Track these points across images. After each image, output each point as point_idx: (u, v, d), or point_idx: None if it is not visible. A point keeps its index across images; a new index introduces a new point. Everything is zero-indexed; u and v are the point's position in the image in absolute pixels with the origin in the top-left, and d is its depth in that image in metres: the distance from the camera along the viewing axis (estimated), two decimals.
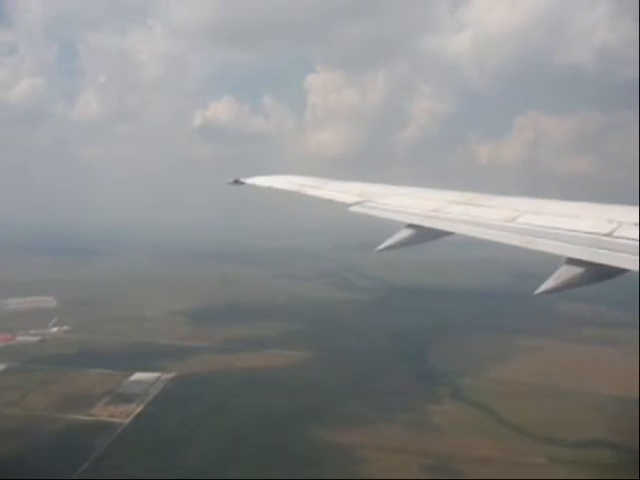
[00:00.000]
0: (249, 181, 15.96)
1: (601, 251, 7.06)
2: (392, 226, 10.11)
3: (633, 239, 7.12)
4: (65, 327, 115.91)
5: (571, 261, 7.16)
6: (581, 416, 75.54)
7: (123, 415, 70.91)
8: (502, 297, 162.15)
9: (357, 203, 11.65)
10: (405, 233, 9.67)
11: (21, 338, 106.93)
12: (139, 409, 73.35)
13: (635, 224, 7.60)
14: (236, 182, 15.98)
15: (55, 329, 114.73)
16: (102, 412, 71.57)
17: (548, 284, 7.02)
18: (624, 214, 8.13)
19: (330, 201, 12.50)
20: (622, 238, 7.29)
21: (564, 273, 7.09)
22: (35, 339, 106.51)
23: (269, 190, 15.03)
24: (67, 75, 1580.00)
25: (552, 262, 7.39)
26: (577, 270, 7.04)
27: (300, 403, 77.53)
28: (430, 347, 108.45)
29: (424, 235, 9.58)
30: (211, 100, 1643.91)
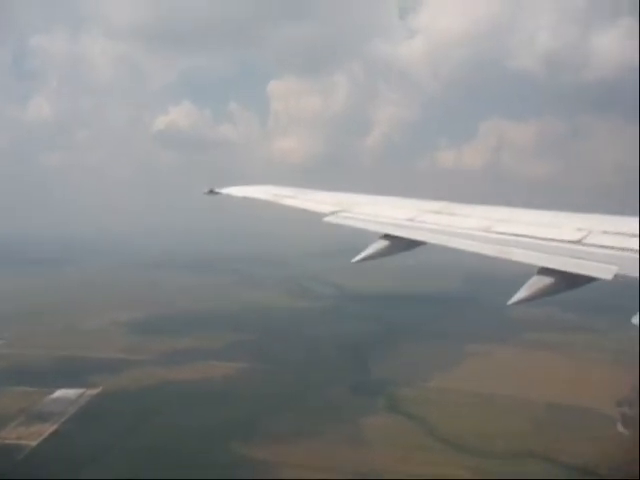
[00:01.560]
0: (224, 191, 15.64)
1: (572, 260, 7.21)
2: (370, 233, 10.11)
3: (602, 246, 7.35)
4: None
5: (543, 270, 7.26)
6: (514, 426, 73.93)
7: (33, 436, 66.84)
8: (462, 302, 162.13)
9: (333, 213, 11.63)
10: (380, 244, 9.64)
11: None
12: (52, 429, 69.35)
13: (604, 232, 7.82)
14: (211, 192, 15.55)
15: None
16: (10, 434, 67.32)
17: (521, 294, 7.06)
18: (594, 222, 8.35)
19: (306, 211, 12.46)
20: (591, 246, 7.49)
21: (536, 282, 7.16)
22: None
23: (245, 199, 15.04)
24: (17, 78, 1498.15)
25: (521, 267, 7.45)
26: (549, 279, 7.14)
27: (229, 418, 74.44)
28: (375, 356, 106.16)
29: (399, 246, 9.59)
30: (169, 105, 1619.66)
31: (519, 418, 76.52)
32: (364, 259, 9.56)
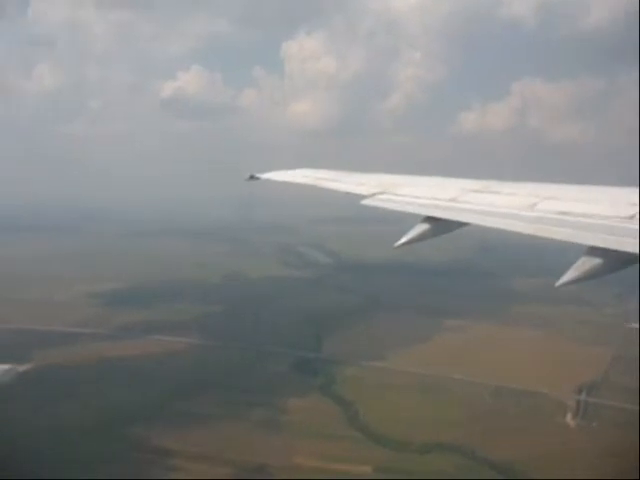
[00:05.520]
0: (265, 176, 15.67)
1: (622, 238, 6.85)
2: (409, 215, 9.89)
3: None
4: None
5: (592, 250, 6.94)
6: (448, 414, 67.48)
7: None
8: (465, 274, 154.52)
9: (373, 195, 11.60)
10: (422, 227, 9.39)
11: None
12: None
13: None
14: (252, 178, 15.58)
15: None
16: None
17: (570, 275, 6.81)
18: None
19: (347, 193, 12.46)
20: None
21: (586, 262, 6.86)
22: None
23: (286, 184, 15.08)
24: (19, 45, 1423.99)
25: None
26: (598, 259, 6.82)
27: (146, 398, 71.17)
28: (337, 331, 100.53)
29: (442, 228, 9.35)
30: (178, 71, 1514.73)
31: (458, 405, 69.88)
32: (406, 243, 9.36)
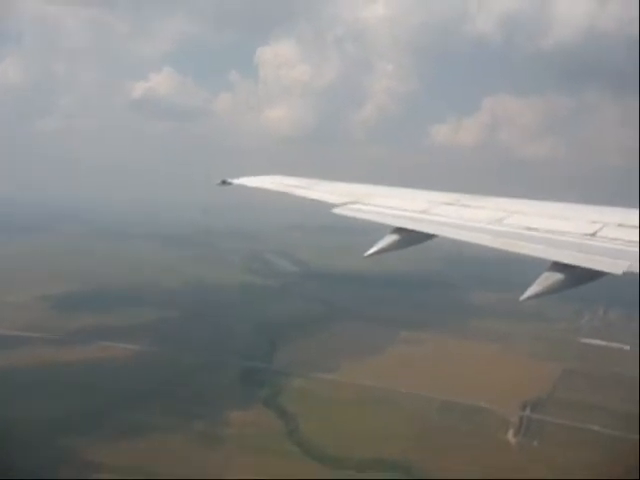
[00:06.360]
0: (237, 182, 15.58)
1: (583, 254, 7.14)
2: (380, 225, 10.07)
3: (615, 240, 7.37)
4: None
5: (555, 265, 7.17)
6: (393, 429, 66.52)
7: None
8: (430, 286, 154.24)
9: (344, 204, 11.65)
10: (392, 237, 9.51)
11: None
12: None
13: (618, 225, 7.93)
14: (224, 183, 15.54)
15: None
16: None
17: (533, 289, 6.97)
18: (608, 215, 8.48)
19: (319, 202, 12.39)
20: (605, 239, 7.53)
21: (548, 277, 7.05)
22: None
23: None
24: None
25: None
26: (561, 274, 7.02)
27: (82, 407, 68.73)
28: (292, 341, 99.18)
29: (411, 239, 9.51)
30: (150, 72, 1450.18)
31: (403, 420, 68.98)
32: (376, 253, 9.42)
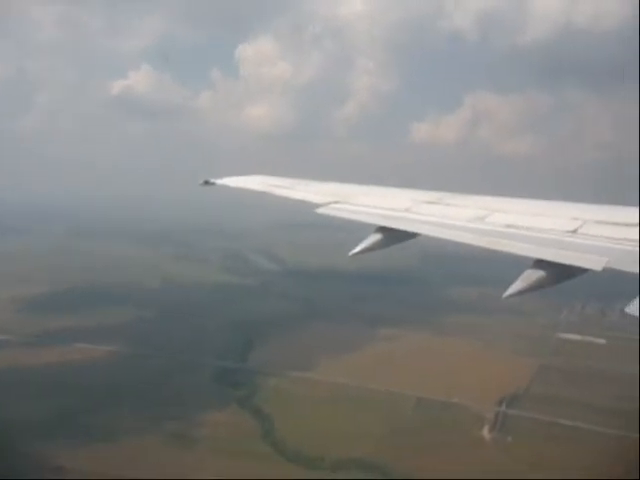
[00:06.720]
0: (220, 182, 15.35)
1: (564, 251, 7.21)
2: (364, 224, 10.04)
3: (596, 237, 7.44)
4: None
5: (537, 262, 7.22)
6: (368, 428, 65.86)
7: None
8: (409, 282, 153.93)
9: (327, 203, 11.66)
10: (376, 236, 9.58)
11: None
12: None
13: (598, 222, 7.95)
14: (207, 183, 15.25)
15: None
16: None
17: (516, 286, 7.01)
18: (588, 212, 8.49)
19: (301, 202, 12.48)
20: (586, 236, 7.58)
21: (531, 274, 7.10)
22: None
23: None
24: None
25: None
26: (544, 271, 7.09)
27: (51, 410, 66.97)
28: (268, 340, 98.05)
29: (394, 237, 9.58)
30: (129, 70, 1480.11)
31: (379, 418, 68.47)
32: (361, 252, 9.47)
